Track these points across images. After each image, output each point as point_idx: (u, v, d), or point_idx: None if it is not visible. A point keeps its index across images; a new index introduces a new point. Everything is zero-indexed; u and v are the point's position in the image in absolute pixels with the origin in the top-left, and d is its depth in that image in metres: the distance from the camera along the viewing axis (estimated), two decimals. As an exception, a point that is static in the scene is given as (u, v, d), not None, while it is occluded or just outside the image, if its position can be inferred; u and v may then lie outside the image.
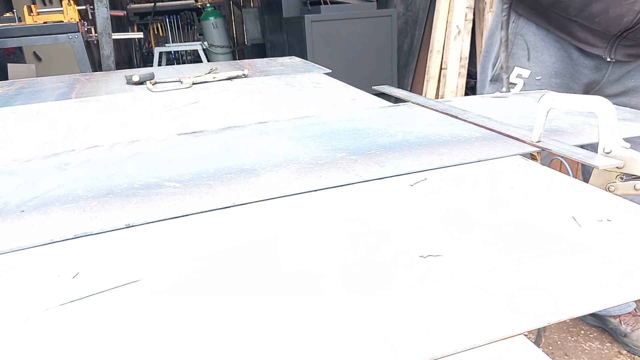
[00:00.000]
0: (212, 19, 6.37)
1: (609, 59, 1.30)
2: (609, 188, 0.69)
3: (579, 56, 1.36)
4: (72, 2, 3.07)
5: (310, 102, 1.18)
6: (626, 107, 1.04)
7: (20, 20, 3.07)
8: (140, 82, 1.47)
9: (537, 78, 1.38)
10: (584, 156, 0.68)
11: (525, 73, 1.41)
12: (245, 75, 1.53)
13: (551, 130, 0.83)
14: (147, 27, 6.98)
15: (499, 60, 1.45)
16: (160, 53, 6.09)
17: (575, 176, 0.67)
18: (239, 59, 6.41)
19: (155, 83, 1.47)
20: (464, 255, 0.47)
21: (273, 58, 2.02)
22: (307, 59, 2.07)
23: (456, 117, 0.92)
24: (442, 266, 0.46)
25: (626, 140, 0.68)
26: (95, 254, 0.51)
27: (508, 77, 1.41)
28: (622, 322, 1.63)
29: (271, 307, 0.41)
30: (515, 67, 1.43)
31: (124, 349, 0.37)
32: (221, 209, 0.60)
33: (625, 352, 1.71)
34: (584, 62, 1.36)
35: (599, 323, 1.72)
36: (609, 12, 1.22)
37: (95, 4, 2.23)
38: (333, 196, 0.62)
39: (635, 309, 1.64)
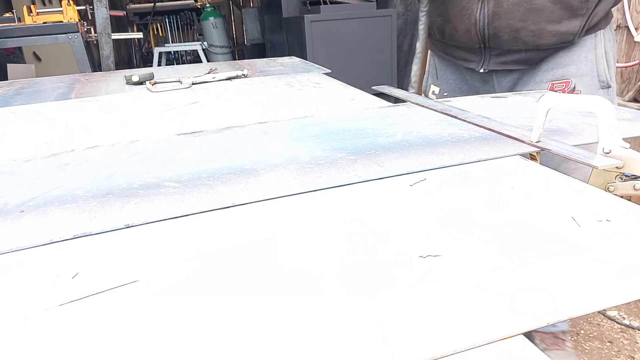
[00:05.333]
0: (211, 19, 6.37)
1: (481, 70, 1.37)
2: (608, 188, 0.69)
3: (467, 72, 1.45)
4: (71, 2, 3.07)
5: (309, 102, 1.18)
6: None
7: (20, 20, 3.07)
8: (140, 82, 1.47)
9: (445, 94, 1.49)
10: (584, 156, 0.68)
11: (437, 90, 1.53)
12: (244, 76, 1.53)
13: (551, 130, 0.83)
14: (147, 27, 6.98)
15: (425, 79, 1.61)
16: (160, 53, 6.09)
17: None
18: (238, 59, 6.41)
19: (155, 83, 1.47)
20: (463, 255, 0.47)
21: (273, 58, 2.02)
22: (306, 59, 2.07)
23: (456, 117, 0.92)
24: (442, 266, 0.46)
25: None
26: (95, 254, 0.51)
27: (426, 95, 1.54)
28: (539, 339, 1.60)
29: (271, 307, 0.41)
30: (431, 85, 1.56)
31: (123, 349, 0.37)
32: (221, 209, 0.60)
33: (625, 352, 1.71)
34: (472, 77, 1.44)
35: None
36: (458, 30, 1.32)
37: (94, 4, 2.22)
38: (332, 196, 0.62)
39: (562, 332, 1.59)
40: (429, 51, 1.57)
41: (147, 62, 6.68)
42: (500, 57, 1.33)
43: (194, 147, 0.83)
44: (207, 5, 6.46)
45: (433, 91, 1.54)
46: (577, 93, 1.34)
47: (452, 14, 1.32)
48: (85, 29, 3.05)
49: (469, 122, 0.89)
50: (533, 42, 1.27)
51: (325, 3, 3.81)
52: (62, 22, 3.03)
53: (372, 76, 3.78)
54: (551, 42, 1.27)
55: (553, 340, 1.61)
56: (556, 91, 1.33)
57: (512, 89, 1.39)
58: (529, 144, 0.75)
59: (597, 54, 1.33)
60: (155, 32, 7.23)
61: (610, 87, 1.35)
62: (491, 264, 0.45)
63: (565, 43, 1.28)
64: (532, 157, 0.77)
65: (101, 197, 0.64)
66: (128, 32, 6.41)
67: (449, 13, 1.32)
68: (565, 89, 1.33)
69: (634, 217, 0.53)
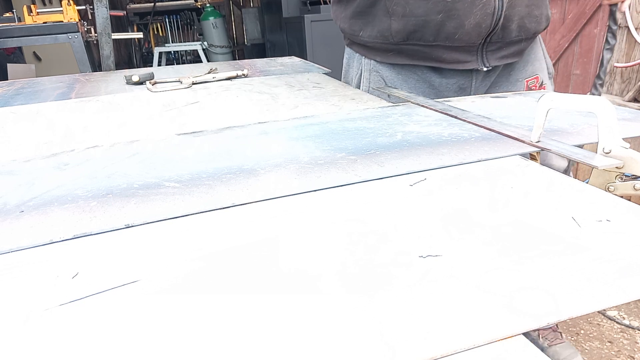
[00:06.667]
0: (211, 19, 6.37)
1: (485, 68, 1.27)
2: (608, 188, 0.69)
3: (441, 82, 1.33)
4: (71, 2, 3.08)
5: (309, 102, 1.18)
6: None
7: (20, 20, 3.07)
8: (140, 82, 1.47)
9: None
10: (584, 156, 0.68)
11: None
12: (244, 75, 1.53)
13: (551, 130, 0.83)
14: (147, 27, 6.99)
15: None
16: (160, 53, 6.09)
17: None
18: (238, 59, 6.41)
19: (155, 83, 1.47)
20: (463, 255, 0.47)
21: (273, 58, 2.02)
22: (307, 59, 2.07)
23: (456, 117, 0.92)
24: (442, 266, 0.46)
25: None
26: (95, 254, 0.51)
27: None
28: (540, 336, 1.60)
29: (270, 307, 0.41)
30: None
31: (123, 350, 0.37)
32: (220, 209, 0.60)
33: (625, 352, 1.71)
34: (447, 86, 1.33)
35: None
36: (464, 25, 1.19)
37: (95, 4, 2.23)
38: (332, 196, 0.62)
39: (556, 325, 1.61)
40: (368, 70, 1.38)
41: (147, 62, 6.69)
42: (499, 51, 1.26)
43: (194, 147, 0.83)
44: (207, 5, 6.47)
45: None
46: (544, 88, 1.36)
47: (459, 7, 1.17)
48: (85, 29, 3.05)
49: (469, 122, 0.89)
50: (534, 28, 1.25)
51: (325, 3, 3.81)
52: (62, 22, 3.03)
53: (372, 76, 3.78)
54: (543, 28, 1.28)
55: (553, 335, 1.61)
56: (531, 88, 1.33)
57: (488, 91, 1.33)
58: (529, 144, 0.75)
59: (543, 47, 1.37)
60: (155, 32, 7.23)
61: (551, 74, 1.38)
62: (491, 263, 0.45)
63: (545, 30, 1.30)
64: (532, 157, 0.77)
65: (101, 197, 0.64)
66: (128, 32, 6.41)
67: (454, 7, 1.18)
68: (537, 84, 1.33)
69: (633, 217, 0.53)
